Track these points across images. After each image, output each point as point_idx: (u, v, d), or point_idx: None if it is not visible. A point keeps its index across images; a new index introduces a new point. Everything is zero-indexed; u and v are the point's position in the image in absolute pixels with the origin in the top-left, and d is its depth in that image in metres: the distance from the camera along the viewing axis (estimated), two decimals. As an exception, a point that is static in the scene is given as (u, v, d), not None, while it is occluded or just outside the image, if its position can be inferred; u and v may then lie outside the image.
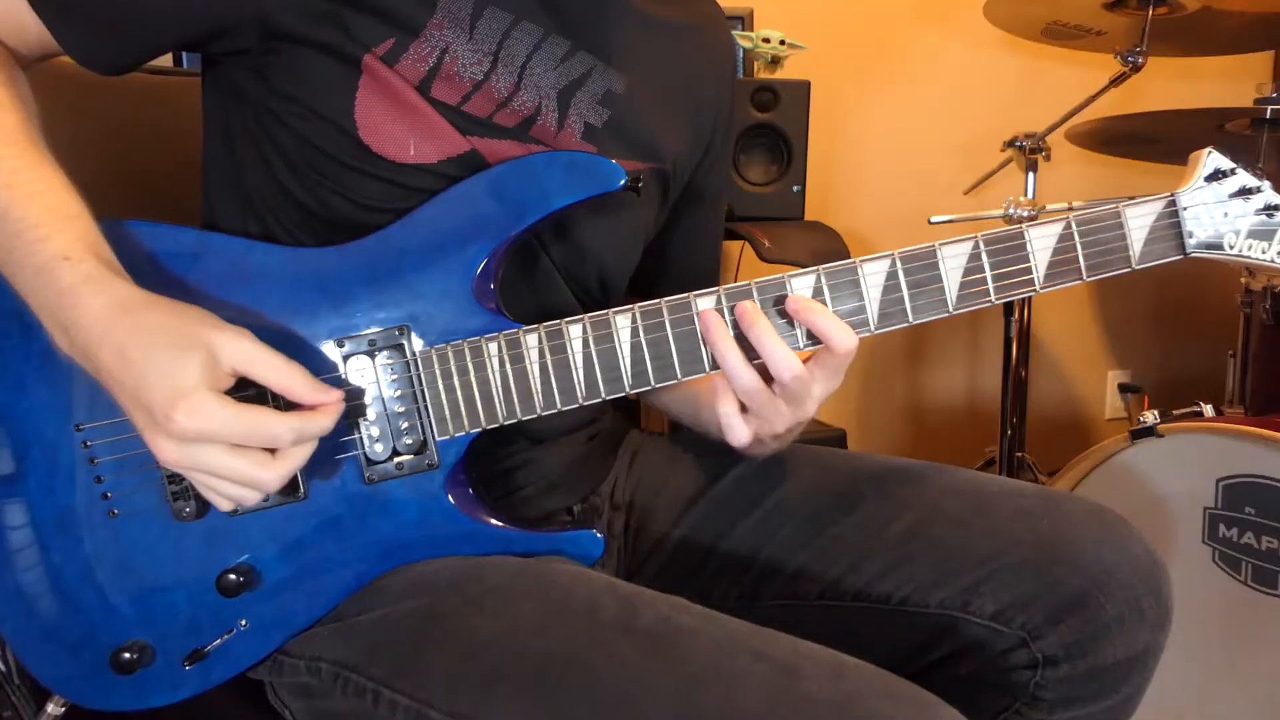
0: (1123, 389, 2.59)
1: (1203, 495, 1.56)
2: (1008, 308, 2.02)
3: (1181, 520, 1.58)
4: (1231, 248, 0.83)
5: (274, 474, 0.71)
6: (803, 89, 1.79)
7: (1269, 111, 1.70)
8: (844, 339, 0.78)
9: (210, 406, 0.68)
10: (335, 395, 0.74)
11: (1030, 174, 1.96)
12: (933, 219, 1.83)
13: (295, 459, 0.72)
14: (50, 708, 0.91)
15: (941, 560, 0.88)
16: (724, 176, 1.12)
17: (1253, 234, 0.83)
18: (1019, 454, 2.08)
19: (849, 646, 0.70)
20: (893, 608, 0.89)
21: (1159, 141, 1.96)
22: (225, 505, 0.74)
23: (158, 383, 0.68)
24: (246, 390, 0.72)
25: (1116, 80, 1.82)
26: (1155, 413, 1.60)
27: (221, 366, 0.70)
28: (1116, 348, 2.79)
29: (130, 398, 0.70)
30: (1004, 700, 0.87)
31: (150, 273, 0.78)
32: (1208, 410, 1.70)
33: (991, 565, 0.86)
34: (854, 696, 0.65)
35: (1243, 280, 1.92)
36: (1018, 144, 1.95)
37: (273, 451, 0.71)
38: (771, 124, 1.78)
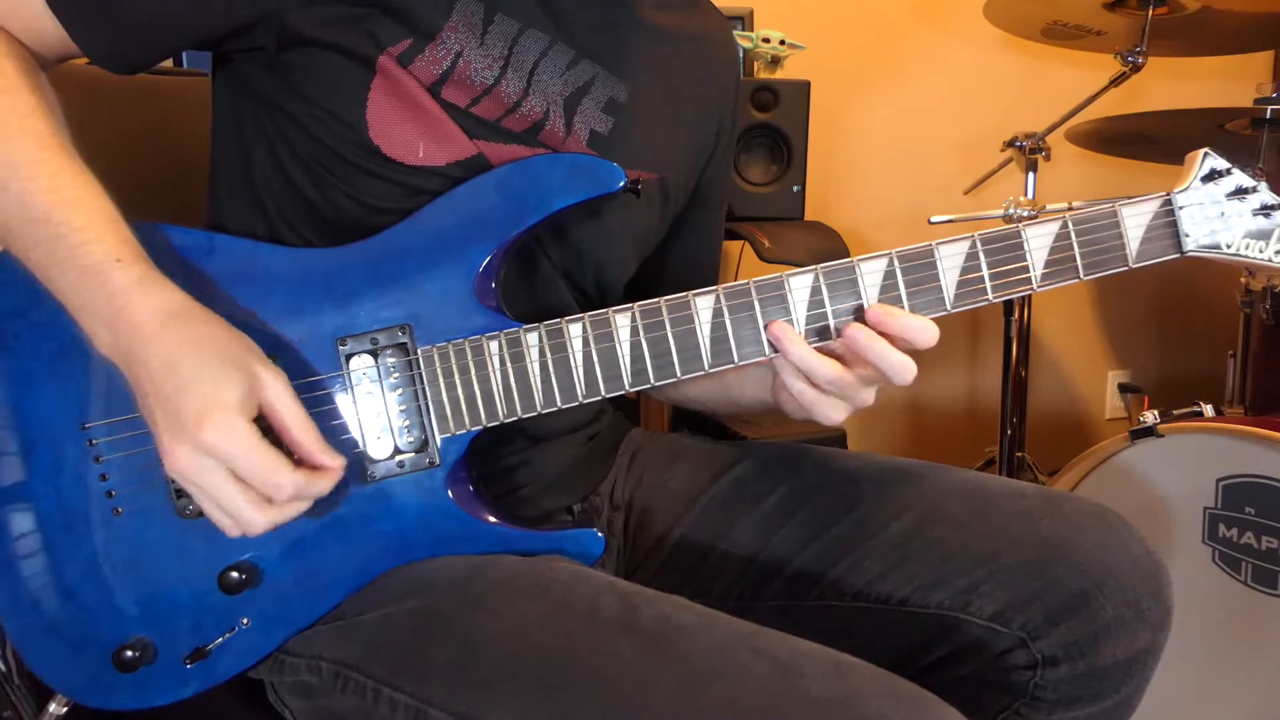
0: (1123, 389, 2.59)
1: (1203, 495, 1.56)
2: (1007, 307, 2.02)
3: (1181, 520, 1.58)
4: (1229, 247, 0.84)
5: (263, 520, 0.72)
6: (803, 89, 1.79)
7: (1269, 111, 1.69)
8: (929, 337, 0.80)
9: (239, 428, 0.70)
10: (340, 462, 0.76)
11: (1030, 174, 1.96)
12: (933, 219, 1.83)
13: (287, 514, 0.74)
14: (53, 707, 0.91)
15: (941, 560, 0.88)
16: (726, 181, 1.12)
17: (1250, 234, 0.84)
18: (1019, 454, 2.08)
19: (849, 646, 0.70)
20: (892, 608, 0.89)
21: (1159, 141, 1.96)
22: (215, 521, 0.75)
23: (198, 390, 0.70)
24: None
25: (1116, 80, 1.82)
26: (1155, 413, 1.60)
27: (255, 397, 0.72)
28: (1116, 348, 2.79)
29: (161, 400, 0.71)
30: (1003, 700, 0.87)
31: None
32: (1208, 410, 1.69)
33: (991, 565, 0.86)
34: (855, 696, 0.65)
35: (1243, 280, 1.91)
36: (1018, 144, 1.95)
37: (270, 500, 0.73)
38: (771, 124, 1.78)
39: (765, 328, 0.82)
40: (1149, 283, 2.75)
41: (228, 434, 0.69)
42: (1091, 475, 1.68)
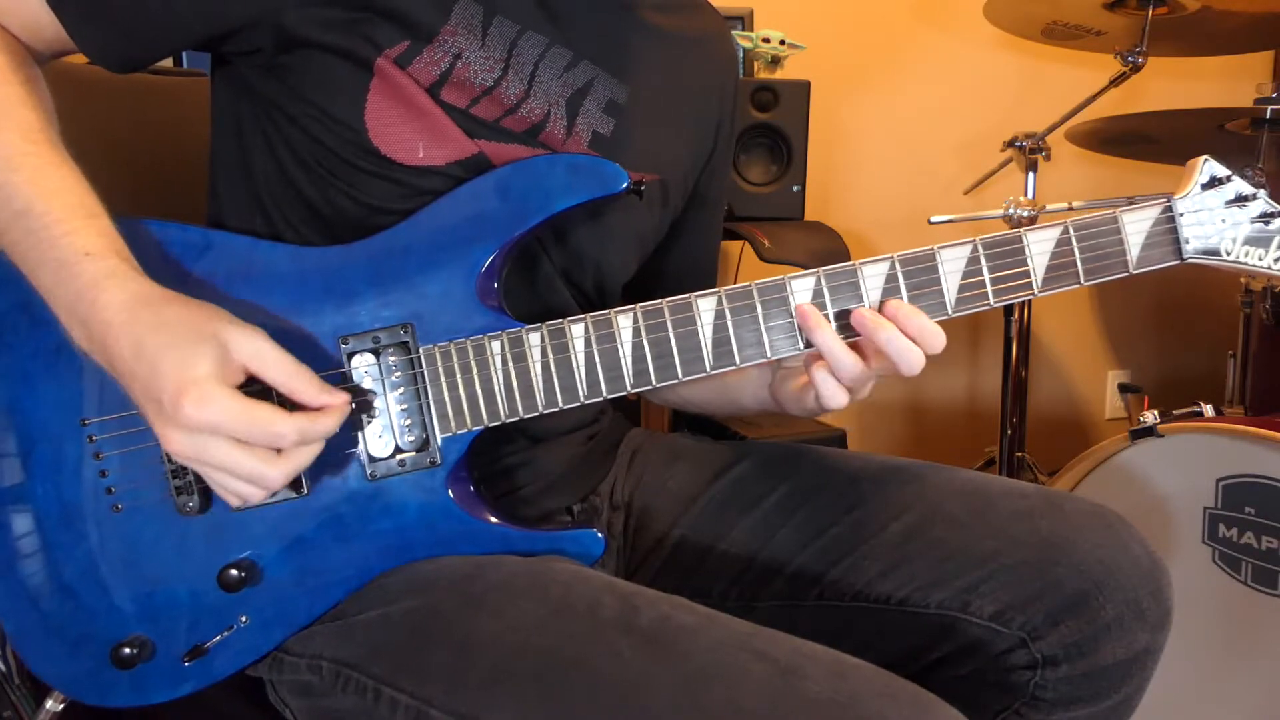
0: (1123, 389, 2.60)
1: (1203, 495, 1.56)
2: (1007, 308, 2.02)
3: (1181, 520, 1.58)
4: (1228, 254, 0.84)
5: (279, 472, 0.72)
6: (803, 89, 1.79)
7: (1269, 111, 1.69)
8: (939, 344, 0.81)
9: (218, 396, 0.69)
10: (342, 398, 0.75)
11: (1030, 174, 1.96)
12: (933, 219, 1.83)
13: (300, 459, 0.73)
14: (49, 704, 0.91)
15: (941, 560, 0.88)
16: (725, 181, 1.12)
17: (1249, 241, 0.84)
18: (1019, 454, 2.08)
19: (848, 646, 0.70)
20: (892, 608, 0.89)
21: (1159, 141, 1.96)
22: (234, 501, 0.75)
23: (169, 372, 0.69)
24: (253, 386, 0.73)
25: (1116, 80, 1.82)
26: (1155, 413, 1.60)
27: (233, 361, 0.71)
28: (1116, 348, 2.79)
29: (142, 389, 0.70)
30: (1003, 700, 0.87)
31: (157, 270, 0.78)
32: (1208, 410, 1.70)
33: (991, 565, 0.86)
34: (855, 696, 0.65)
35: (1243, 280, 1.92)
36: (1018, 144, 1.95)
37: (279, 451, 0.72)
38: (771, 124, 1.78)
39: (795, 309, 0.82)
40: (1149, 283, 2.75)
41: (206, 405, 0.68)
42: (1091, 475, 1.68)
